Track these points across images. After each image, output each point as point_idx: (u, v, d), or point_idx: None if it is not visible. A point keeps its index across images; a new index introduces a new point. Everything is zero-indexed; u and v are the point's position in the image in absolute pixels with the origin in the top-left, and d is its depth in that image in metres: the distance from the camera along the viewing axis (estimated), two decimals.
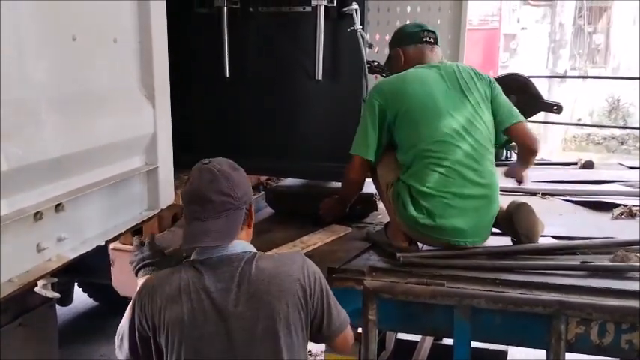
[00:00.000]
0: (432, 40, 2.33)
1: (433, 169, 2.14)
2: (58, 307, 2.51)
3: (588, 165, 3.96)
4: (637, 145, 12.32)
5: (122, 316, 1.60)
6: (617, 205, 2.82)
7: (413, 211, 2.14)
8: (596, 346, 1.84)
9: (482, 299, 1.87)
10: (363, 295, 1.95)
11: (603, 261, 2.07)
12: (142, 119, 2.01)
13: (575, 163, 4.07)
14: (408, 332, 2.71)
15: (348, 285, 2.05)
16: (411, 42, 2.32)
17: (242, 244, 1.56)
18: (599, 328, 1.82)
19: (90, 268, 2.52)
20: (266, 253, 1.66)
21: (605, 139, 13.38)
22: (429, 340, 3.34)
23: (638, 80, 9.02)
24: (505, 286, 1.94)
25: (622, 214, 2.73)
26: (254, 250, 1.58)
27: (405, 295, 1.93)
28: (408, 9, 3.79)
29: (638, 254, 2.05)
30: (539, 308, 1.82)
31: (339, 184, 2.60)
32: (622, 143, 13.20)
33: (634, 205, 2.78)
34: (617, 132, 13.19)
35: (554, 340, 1.82)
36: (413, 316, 1.98)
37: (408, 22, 3.79)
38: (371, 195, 2.66)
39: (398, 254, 2.13)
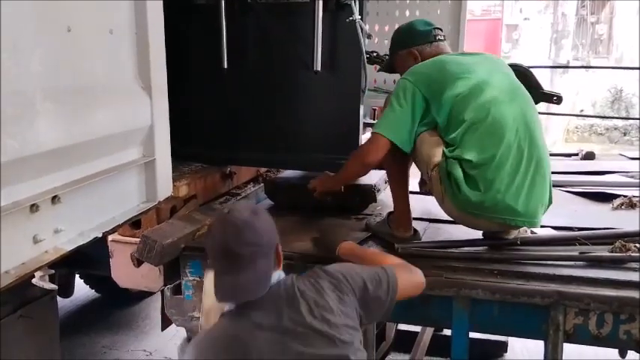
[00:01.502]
0: (443, 38, 2.27)
1: (484, 137, 1.99)
2: (59, 298, 2.52)
3: (589, 156, 3.95)
4: (639, 135, 12.30)
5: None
6: (617, 196, 2.81)
7: (466, 189, 1.97)
8: (594, 336, 1.84)
9: (480, 290, 1.87)
10: None
11: (602, 251, 2.06)
12: (139, 111, 2.01)
13: (577, 154, 4.06)
14: (407, 323, 2.71)
15: None
16: (425, 41, 2.24)
17: (276, 276, 1.53)
18: (598, 319, 1.82)
19: (90, 260, 2.52)
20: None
21: (607, 129, 13.36)
22: (429, 331, 3.35)
23: (639, 71, 8.97)
24: (503, 276, 1.94)
25: (622, 205, 2.72)
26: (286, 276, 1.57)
27: None
28: None
29: (637, 245, 2.05)
30: (538, 299, 1.82)
31: None
32: (625, 134, 13.18)
33: (634, 196, 2.77)
34: (619, 123, 13.16)
35: (552, 330, 1.82)
36: (412, 306, 1.97)
37: (407, 12, 3.77)
38: (370, 186, 2.66)
39: (396, 245, 2.13)
